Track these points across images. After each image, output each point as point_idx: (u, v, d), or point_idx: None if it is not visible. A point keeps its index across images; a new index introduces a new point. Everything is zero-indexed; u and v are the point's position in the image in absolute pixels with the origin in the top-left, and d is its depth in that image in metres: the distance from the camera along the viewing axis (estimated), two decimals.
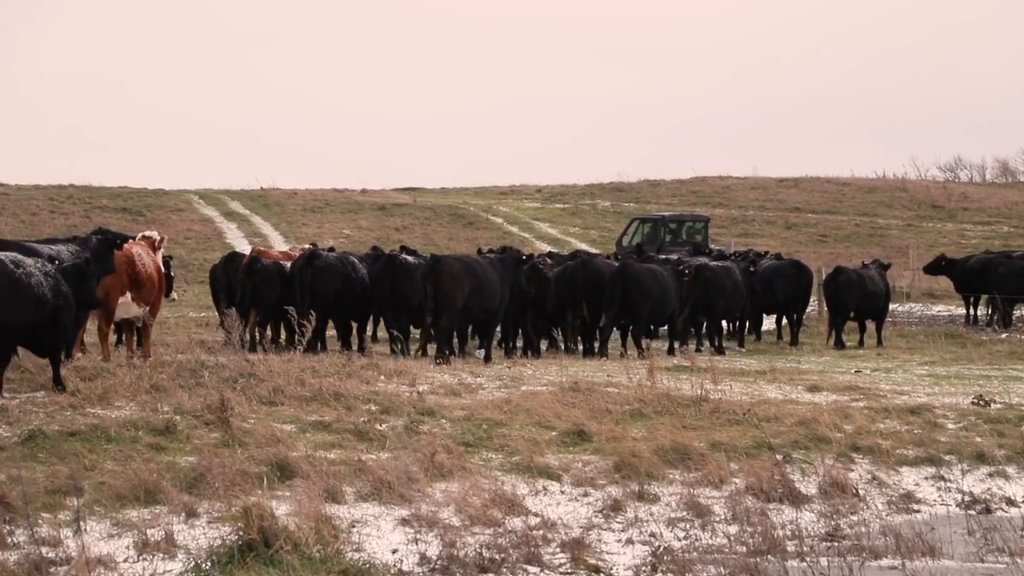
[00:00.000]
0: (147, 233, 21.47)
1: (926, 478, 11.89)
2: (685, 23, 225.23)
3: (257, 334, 21.88)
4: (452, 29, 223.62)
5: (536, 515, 9.98)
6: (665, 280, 24.07)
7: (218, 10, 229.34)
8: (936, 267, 33.83)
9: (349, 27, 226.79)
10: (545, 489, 10.98)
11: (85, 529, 8.92)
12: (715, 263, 26.91)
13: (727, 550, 9.11)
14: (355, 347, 22.07)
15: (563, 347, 22.69)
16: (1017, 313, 32.24)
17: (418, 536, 9.25)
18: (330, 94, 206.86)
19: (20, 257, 14.69)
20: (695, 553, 9.00)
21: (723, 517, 10.14)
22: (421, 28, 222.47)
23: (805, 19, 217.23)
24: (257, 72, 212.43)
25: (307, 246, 26.02)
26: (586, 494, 10.87)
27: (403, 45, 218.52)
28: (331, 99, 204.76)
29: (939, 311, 35.28)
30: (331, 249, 24.96)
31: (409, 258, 23.39)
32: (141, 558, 8.52)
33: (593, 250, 38.27)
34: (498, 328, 23.07)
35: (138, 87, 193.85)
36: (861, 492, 11.09)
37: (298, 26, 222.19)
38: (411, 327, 22.81)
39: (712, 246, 38.77)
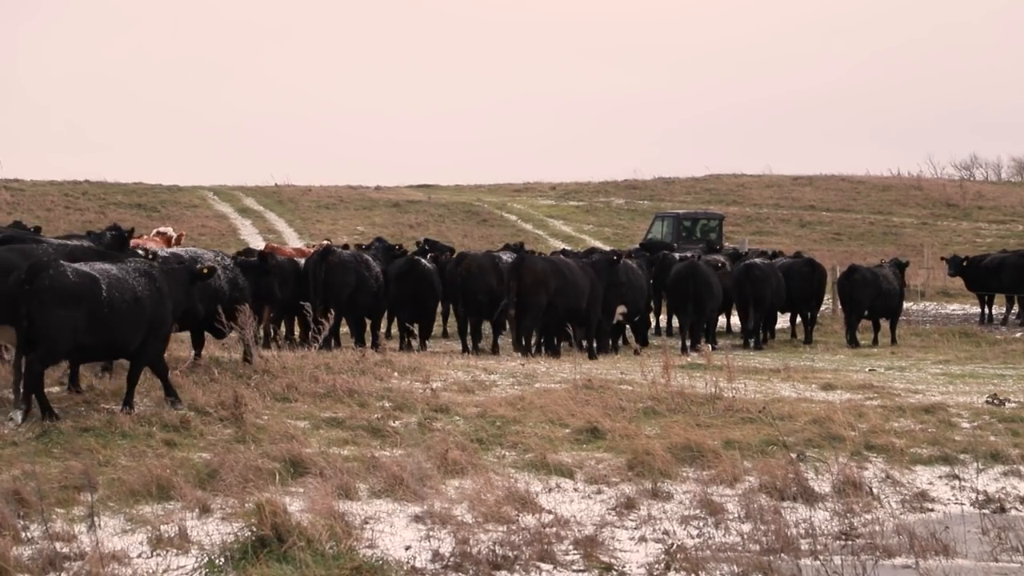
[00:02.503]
0: (161, 229, 21.55)
1: (940, 477, 11.86)
2: (699, 22, 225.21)
3: (271, 330, 21.91)
4: (467, 29, 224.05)
5: (549, 512, 9.98)
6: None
7: (233, 9, 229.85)
8: (958, 268, 33.57)
9: (363, 27, 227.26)
10: (558, 486, 10.98)
11: (99, 525, 8.96)
12: (760, 261, 27.36)
13: (740, 548, 9.09)
14: (369, 344, 22.07)
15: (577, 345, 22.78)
16: None
17: (431, 533, 9.27)
18: (344, 93, 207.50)
19: (197, 251, 17.12)
20: (708, 551, 9.00)
21: (736, 515, 10.12)
22: (435, 28, 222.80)
23: (820, 15, 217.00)
24: (272, 71, 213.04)
25: (324, 242, 26.10)
26: (599, 492, 10.86)
27: (417, 45, 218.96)
28: (345, 98, 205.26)
29: (953, 310, 35.20)
30: (345, 246, 24.99)
31: (424, 260, 23.76)
32: (155, 554, 8.55)
33: (607, 248, 38.32)
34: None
35: (152, 86, 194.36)
36: (875, 491, 11.06)
37: (312, 26, 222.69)
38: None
39: (727, 244, 38.80)
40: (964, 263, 33.06)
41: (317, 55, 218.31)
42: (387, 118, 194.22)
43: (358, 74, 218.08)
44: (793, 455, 11.82)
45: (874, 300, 26.89)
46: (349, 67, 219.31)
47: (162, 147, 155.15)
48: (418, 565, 8.47)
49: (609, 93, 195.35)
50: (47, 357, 12.70)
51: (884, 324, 27.61)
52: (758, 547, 9.06)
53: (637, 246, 36.96)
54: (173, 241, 21.67)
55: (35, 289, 12.58)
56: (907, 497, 11.06)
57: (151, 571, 8.17)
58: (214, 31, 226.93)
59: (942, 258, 35.07)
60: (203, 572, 8.17)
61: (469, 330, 23.09)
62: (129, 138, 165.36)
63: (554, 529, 9.44)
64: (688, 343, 24.21)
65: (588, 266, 23.11)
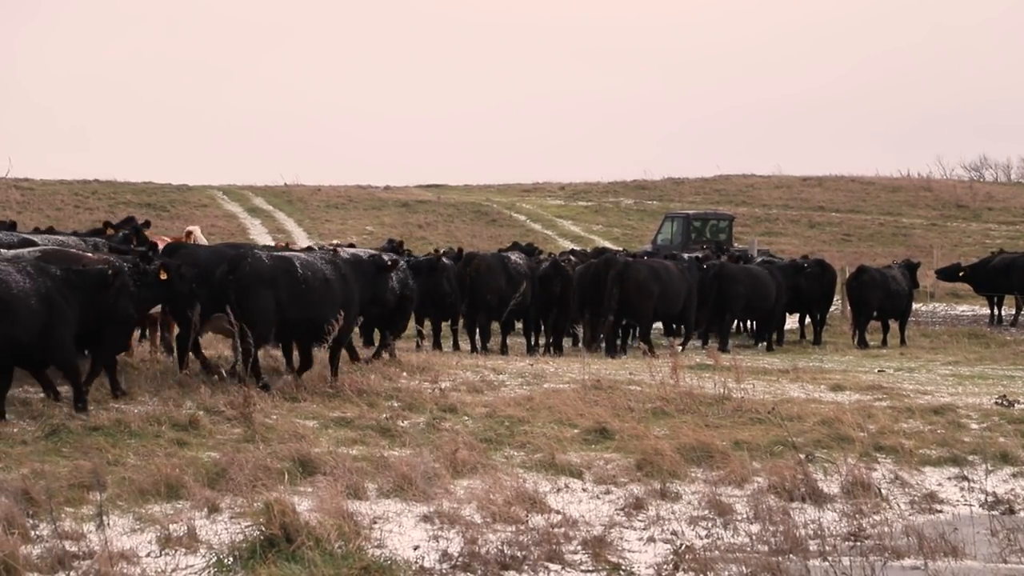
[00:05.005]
0: (189, 229, 21.67)
1: (949, 478, 11.83)
2: (707, 22, 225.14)
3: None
4: (477, 31, 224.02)
5: (558, 513, 9.97)
6: (761, 279, 25.74)
7: (238, 10, 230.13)
8: (952, 275, 33.67)
9: (373, 29, 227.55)
10: (567, 487, 10.97)
11: (108, 524, 8.96)
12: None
13: (749, 549, 9.08)
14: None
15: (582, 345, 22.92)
16: None
17: (440, 533, 9.26)
18: (354, 94, 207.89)
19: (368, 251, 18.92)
20: (716, 552, 8.98)
21: (745, 516, 10.11)
22: (444, 30, 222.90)
23: (830, 15, 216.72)
24: (280, 72, 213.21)
25: (333, 243, 26.11)
26: (608, 492, 10.85)
27: (426, 46, 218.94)
28: (355, 98, 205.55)
29: (963, 311, 35.14)
30: (351, 246, 24.99)
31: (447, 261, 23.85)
32: (163, 553, 8.55)
33: (616, 248, 38.30)
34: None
35: (157, 87, 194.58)
36: (884, 492, 11.04)
37: (321, 28, 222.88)
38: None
39: (737, 245, 38.74)
40: (961, 273, 33.17)
41: (326, 57, 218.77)
42: (396, 118, 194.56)
43: (368, 75, 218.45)
44: (802, 456, 11.80)
45: (883, 301, 26.87)
46: (359, 68, 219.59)
47: (170, 148, 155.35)
48: (426, 565, 8.47)
49: (618, 94, 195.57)
50: (260, 337, 14.53)
51: (893, 325, 27.58)
52: (767, 548, 9.05)
53: (647, 247, 36.99)
54: (184, 237, 21.66)
55: (238, 276, 14.30)
56: (916, 498, 11.04)
57: (160, 570, 8.18)
58: (220, 32, 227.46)
59: (936, 273, 35.04)
60: (212, 571, 8.17)
61: (478, 330, 23.09)
62: (135, 139, 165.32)
63: (563, 529, 9.44)
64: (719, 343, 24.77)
65: (686, 269, 24.19)
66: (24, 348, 12.31)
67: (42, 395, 13.61)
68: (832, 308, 29.99)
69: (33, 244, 15.95)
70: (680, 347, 22.51)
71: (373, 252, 18.15)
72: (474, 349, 22.59)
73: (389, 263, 16.42)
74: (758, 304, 25.74)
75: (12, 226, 20.53)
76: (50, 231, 20.43)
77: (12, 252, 14.41)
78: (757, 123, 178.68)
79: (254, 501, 9.42)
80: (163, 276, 14.15)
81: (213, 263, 15.08)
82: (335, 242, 27.32)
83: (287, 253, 15.80)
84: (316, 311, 14.78)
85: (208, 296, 14.81)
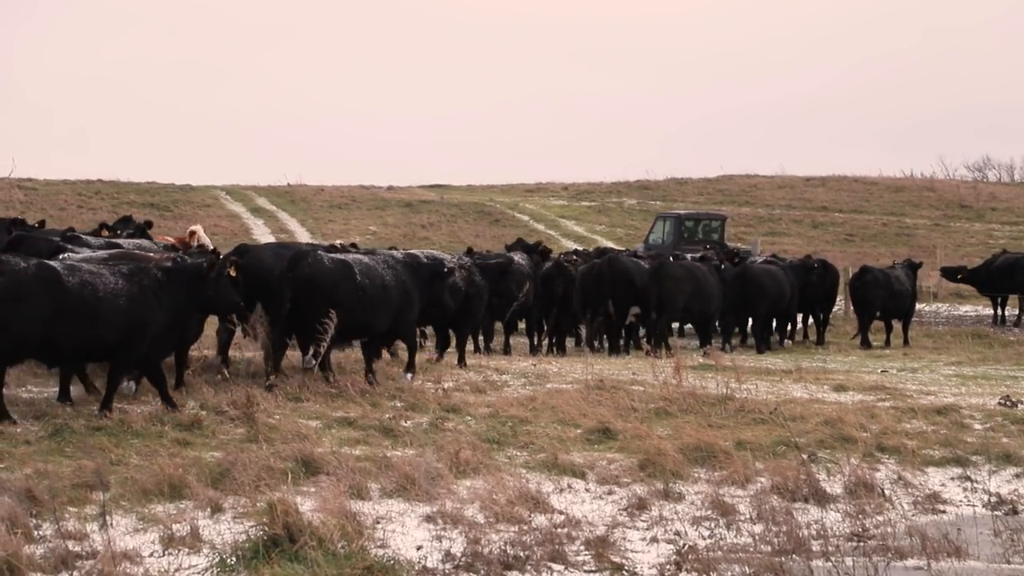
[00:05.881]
0: (193, 228, 21.71)
1: (952, 479, 11.83)
2: (709, 23, 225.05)
3: None
4: (479, 31, 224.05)
5: (561, 513, 9.97)
6: (782, 280, 25.75)
7: (239, 10, 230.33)
8: (953, 276, 33.73)
9: (375, 30, 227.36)
10: (570, 487, 10.97)
11: (111, 523, 8.95)
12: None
13: (752, 549, 9.07)
14: None
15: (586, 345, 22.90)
16: None
17: (442, 533, 9.26)
18: (357, 94, 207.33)
19: (436, 253, 19.34)
20: (720, 552, 8.98)
21: (748, 516, 10.10)
22: (447, 31, 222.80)
23: (832, 13, 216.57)
24: (283, 72, 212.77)
25: (337, 243, 26.10)
26: (611, 492, 10.85)
27: (428, 47, 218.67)
28: (357, 99, 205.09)
29: (966, 311, 35.12)
30: (353, 245, 24.98)
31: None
32: (166, 553, 8.54)
33: (619, 248, 38.29)
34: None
35: (158, 88, 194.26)
36: (887, 492, 11.04)
37: (323, 28, 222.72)
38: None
39: (739, 245, 38.68)
40: (959, 276, 33.20)
41: (328, 57, 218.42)
42: (399, 119, 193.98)
43: (370, 75, 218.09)
44: (805, 456, 11.80)
45: (886, 301, 26.84)
46: (361, 68, 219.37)
47: (173, 148, 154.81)
48: (429, 565, 8.46)
49: (621, 94, 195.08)
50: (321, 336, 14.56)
51: (896, 325, 27.55)
52: (770, 548, 9.04)
53: (639, 247, 37.04)
54: (187, 237, 21.68)
55: (296, 276, 14.51)
56: (919, 499, 11.03)
57: (163, 570, 8.18)
58: (220, 32, 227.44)
59: (941, 270, 35.12)
60: (215, 571, 8.17)
61: (481, 330, 23.08)
62: (138, 139, 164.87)
63: (565, 529, 9.43)
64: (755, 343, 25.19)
65: (715, 270, 24.47)
66: (109, 346, 12.61)
67: (46, 395, 13.63)
68: (836, 308, 29.97)
69: (119, 247, 16.24)
70: (728, 348, 22.95)
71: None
72: (477, 349, 22.57)
73: (447, 269, 16.69)
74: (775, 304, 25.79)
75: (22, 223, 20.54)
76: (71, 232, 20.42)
77: (81, 254, 14.56)
78: (760, 123, 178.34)
79: (257, 501, 9.43)
80: (233, 273, 13.98)
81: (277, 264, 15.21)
82: (339, 242, 27.32)
83: (348, 255, 16.08)
84: (372, 315, 15.12)
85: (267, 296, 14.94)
